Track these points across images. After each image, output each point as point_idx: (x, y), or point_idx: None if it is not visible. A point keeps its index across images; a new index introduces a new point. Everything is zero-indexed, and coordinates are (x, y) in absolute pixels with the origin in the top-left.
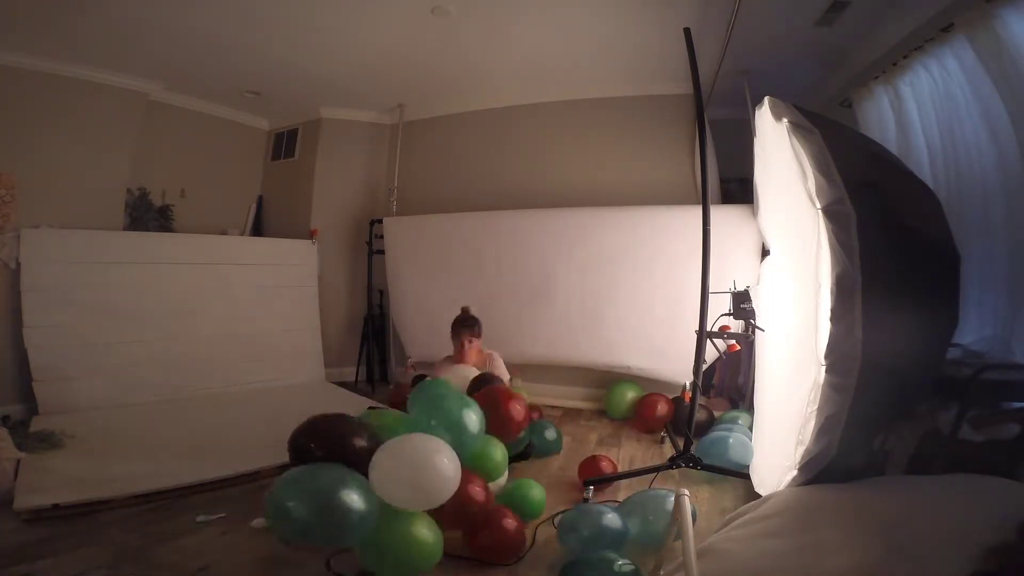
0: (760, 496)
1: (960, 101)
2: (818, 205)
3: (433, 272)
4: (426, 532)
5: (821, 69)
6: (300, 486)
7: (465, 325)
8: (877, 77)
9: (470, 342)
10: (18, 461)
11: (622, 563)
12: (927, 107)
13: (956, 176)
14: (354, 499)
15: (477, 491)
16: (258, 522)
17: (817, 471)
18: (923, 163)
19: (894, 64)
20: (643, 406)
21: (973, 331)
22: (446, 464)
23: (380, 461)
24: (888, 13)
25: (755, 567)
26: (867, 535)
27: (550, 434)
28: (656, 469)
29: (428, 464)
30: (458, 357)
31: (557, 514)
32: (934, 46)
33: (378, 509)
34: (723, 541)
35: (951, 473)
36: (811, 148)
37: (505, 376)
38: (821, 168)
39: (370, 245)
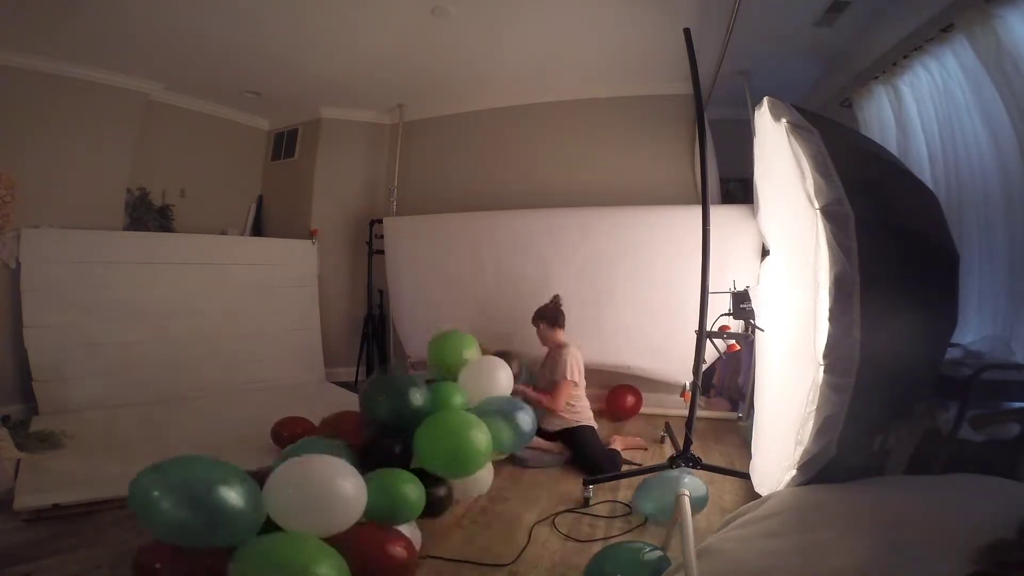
0: (760, 496)
1: (960, 101)
2: (816, 205)
3: (433, 272)
4: None
5: (821, 69)
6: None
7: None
8: (877, 77)
9: (538, 329)
10: (18, 461)
11: (649, 550)
12: (927, 107)
13: (956, 176)
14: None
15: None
16: None
17: (816, 471)
18: (923, 163)
19: (894, 64)
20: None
21: (973, 331)
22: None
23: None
24: (888, 13)
25: (755, 567)
26: (867, 535)
27: None
28: (656, 469)
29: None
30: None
31: (557, 514)
32: (934, 46)
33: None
34: (723, 541)
35: (951, 473)
36: (810, 148)
37: (568, 372)
38: (820, 168)
39: (370, 245)
